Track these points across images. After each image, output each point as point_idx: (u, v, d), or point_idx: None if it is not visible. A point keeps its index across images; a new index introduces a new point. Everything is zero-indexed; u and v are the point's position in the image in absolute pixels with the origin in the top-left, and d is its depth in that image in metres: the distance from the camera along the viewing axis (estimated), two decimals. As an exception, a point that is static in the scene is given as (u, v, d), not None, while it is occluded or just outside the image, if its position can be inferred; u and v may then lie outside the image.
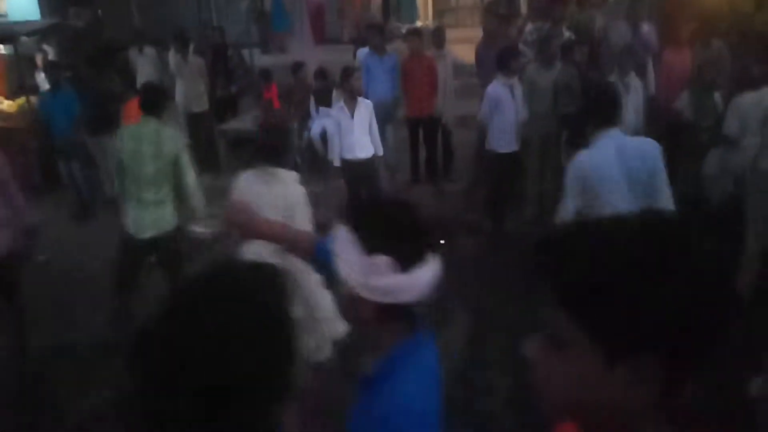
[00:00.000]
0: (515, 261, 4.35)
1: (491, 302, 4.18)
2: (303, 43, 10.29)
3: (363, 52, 6.65)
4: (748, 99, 4.05)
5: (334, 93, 6.50)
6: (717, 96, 4.82)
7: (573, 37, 5.81)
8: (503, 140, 5.04)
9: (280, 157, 3.23)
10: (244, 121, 6.99)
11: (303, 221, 3.05)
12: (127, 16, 10.44)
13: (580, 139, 5.26)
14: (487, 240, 5.19)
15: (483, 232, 5.32)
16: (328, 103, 6.57)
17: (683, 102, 4.94)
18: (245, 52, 8.53)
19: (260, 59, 9.16)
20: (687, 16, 6.04)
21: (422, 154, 6.59)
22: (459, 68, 7.05)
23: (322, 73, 6.79)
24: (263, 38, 10.80)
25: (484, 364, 3.59)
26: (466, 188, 6.31)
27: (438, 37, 6.47)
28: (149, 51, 7.69)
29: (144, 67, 7.54)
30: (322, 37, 11.40)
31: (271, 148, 3.21)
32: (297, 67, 6.89)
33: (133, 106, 4.48)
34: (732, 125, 4.12)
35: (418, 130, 6.43)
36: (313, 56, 8.32)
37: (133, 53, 7.70)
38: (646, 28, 5.84)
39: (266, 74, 6.79)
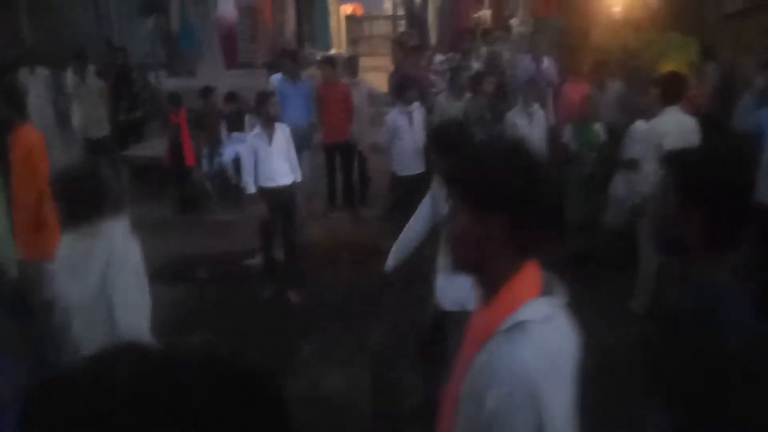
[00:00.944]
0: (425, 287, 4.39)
1: (403, 325, 4.17)
2: (213, 66, 10.00)
3: (277, 78, 6.57)
4: (641, 126, 4.37)
5: (247, 118, 6.35)
6: (598, 127, 5.17)
7: (482, 69, 6.08)
8: (404, 164, 5.31)
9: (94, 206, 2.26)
10: (150, 147, 6.64)
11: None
12: (18, 33, 9.65)
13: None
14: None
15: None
16: (240, 129, 6.39)
17: (567, 135, 5.27)
18: (151, 75, 8.14)
19: (167, 82, 8.77)
20: (584, 51, 6.53)
21: (339, 180, 6.57)
22: (373, 96, 7.15)
23: (233, 98, 6.62)
24: (170, 60, 10.38)
25: (398, 381, 3.56)
26: (383, 214, 6.35)
27: (351, 65, 6.56)
28: (42, 72, 7.14)
29: (36, 89, 6.98)
30: (233, 61, 11.14)
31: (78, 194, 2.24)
32: (206, 92, 6.67)
33: (23, 133, 4.03)
34: (633, 150, 4.41)
35: (335, 155, 6.42)
36: (223, 80, 8.09)
37: (23, 74, 7.11)
38: (547, 62, 6.23)
39: (175, 99, 6.50)
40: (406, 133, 5.25)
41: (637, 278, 4.17)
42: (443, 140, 2.85)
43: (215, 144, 6.54)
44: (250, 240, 5.23)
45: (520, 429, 1.04)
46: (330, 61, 6.45)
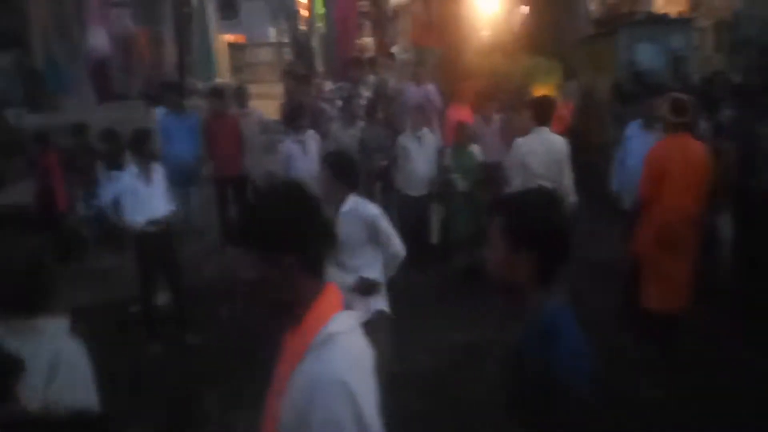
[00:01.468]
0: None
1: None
2: (82, 100, 9.27)
3: (160, 111, 6.24)
4: (518, 143, 4.68)
5: (127, 155, 5.93)
6: (472, 150, 5.46)
7: (373, 97, 6.22)
8: None
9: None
10: (11, 194, 5.98)
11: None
12: None
13: (392, 188, 5.58)
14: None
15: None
16: (119, 167, 5.95)
17: (447, 158, 5.52)
18: (9, 112, 7.38)
19: (28, 119, 7.97)
20: (460, 77, 6.92)
21: (232, 212, 6.34)
22: (264, 124, 7.05)
23: (110, 135, 6.15)
24: (32, 95, 9.47)
25: None
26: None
27: (241, 96, 6.42)
28: None
29: None
30: (106, 94, 10.43)
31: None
32: (79, 129, 6.16)
33: None
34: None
35: (226, 189, 6.20)
36: (95, 114, 7.53)
37: None
38: (431, 88, 6.51)
39: (42, 138, 5.89)
40: (301, 161, 5.23)
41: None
42: (339, 167, 3.02)
43: (92, 185, 6.02)
44: (134, 285, 4.85)
45: (347, 429, 1.19)
46: (217, 93, 6.27)
